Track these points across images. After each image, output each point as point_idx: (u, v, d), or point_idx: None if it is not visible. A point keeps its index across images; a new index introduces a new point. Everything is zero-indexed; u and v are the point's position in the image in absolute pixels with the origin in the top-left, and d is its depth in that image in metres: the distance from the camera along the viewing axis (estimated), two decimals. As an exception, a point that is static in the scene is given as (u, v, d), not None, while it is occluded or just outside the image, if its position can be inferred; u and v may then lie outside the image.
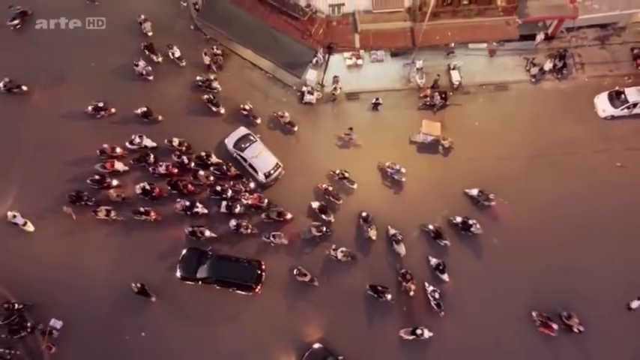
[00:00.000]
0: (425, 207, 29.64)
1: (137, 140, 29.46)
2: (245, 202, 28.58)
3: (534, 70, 32.96)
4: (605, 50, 34.20)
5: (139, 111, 30.48)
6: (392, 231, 28.41)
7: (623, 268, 28.46)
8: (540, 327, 26.87)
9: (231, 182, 29.17)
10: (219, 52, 32.41)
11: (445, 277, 27.87)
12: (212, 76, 31.54)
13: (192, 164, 29.34)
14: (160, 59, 32.54)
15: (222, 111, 31.38)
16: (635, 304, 27.52)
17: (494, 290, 27.91)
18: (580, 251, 28.75)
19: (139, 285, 27.06)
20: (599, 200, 29.96)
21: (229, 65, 33.05)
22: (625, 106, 31.50)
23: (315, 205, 28.76)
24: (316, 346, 26.48)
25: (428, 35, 30.25)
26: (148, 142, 29.62)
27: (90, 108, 30.72)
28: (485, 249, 28.83)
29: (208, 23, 32.18)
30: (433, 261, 28.07)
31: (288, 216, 28.60)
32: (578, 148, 31.57)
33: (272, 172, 29.30)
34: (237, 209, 28.24)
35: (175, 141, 29.45)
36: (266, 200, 28.77)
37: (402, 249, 28.03)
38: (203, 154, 29.21)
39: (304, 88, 31.64)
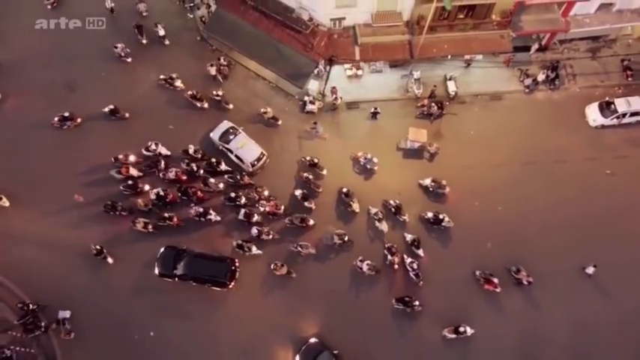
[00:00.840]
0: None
1: (153, 147, 30.61)
2: (262, 209, 29.72)
3: (528, 81, 34.14)
4: (596, 62, 35.45)
5: (106, 109, 31.65)
6: (373, 210, 30.01)
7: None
8: (484, 284, 28.51)
9: (245, 190, 30.29)
10: (224, 62, 33.64)
11: (420, 252, 29.40)
12: (174, 75, 32.84)
13: (202, 171, 30.36)
14: (145, 41, 34.20)
15: (206, 105, 32.81)
16: (590, 270, 29.12)
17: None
18: (564, 248, 29.93)
19: (97, 247, 28.68)
20: (588, 205, 31.01)
21: (234, 75, 34.25)
22: (614, 115, 32.63)
23: (298, 192, 30.22)
24: (312, 340, 27.65)
25: (425, 48, 31.40)
26: (163, 150, 30.78)
27: (56, 119, 31.58)
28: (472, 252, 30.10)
29: (215, 35, 33.36)
30: (409, 237, 29.57)
31: (311, 222, 29.74)
32: (570, 156, 32.69)
33: (257, 161, 30.92)
34: (255, 217, 29.36)
35: (191, 148, 30.58)
36: (282, 207, 29.88)
37: (384, 226, 29.66)
38: (213, 160, 30.40)
39: (306, 98, 32.83)
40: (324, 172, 31.26)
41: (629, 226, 30.70)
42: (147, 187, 30.16)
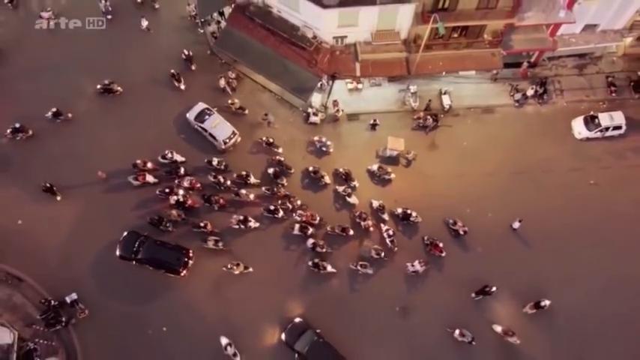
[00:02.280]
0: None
1: (169, 155, 32.57)
2: (299, 219, 31.76)
3: (518, 96, 36.17)
4: (582, 78, 37.46)
5: (49, 113, 33.47)
6: (340, 188, 32.70)
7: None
8: (431, 249, 31.41)
9: (279, 201, 32.33)
10: (233, 76, 35.76)
11: (385, 216, 31.95)
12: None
13: (229, 182, 32.37)
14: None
15: (183, 87, 35.45)
16: (516, 225, 32.08)
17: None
18: (546, 251, 32.09)
19: (47, 184, 31.11)
20: (573, 212, 32.98)
21: (242, 88, 36.27)
22: (599, 129, 34.60)
23: (271, 170, 32.78)
24: (297, 320, 29.94)
25: (421, 65, 33.38)
26: (178, 157, 32.82)
27: (9, 131, 33.04)
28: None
29: (224, 51, 35.37)
30: (375, 203, 32.15)
31: (351, 232, 31.69)
32: (556, 166, 34.61)
33: (228, 139, 33.56)
34: (310, 230, 31.29)
35: (215, 161, 32.60)
36: (318, 217, 31.90)
37: (354, 199, 32.62)
38: (244, 173, 32.46)
39: (309, 110, 34.85)
40: (280, 150, 33.81)
41: (610, 232, 32.55)
42: (181, 192, 31.83)
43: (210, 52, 37.04)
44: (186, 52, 35.90)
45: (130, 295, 30.62)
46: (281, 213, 31.77)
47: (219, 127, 33.58)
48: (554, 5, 31.53)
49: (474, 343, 29.13)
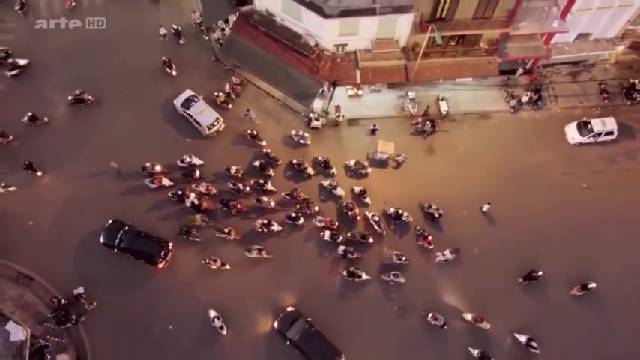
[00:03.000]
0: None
1: (187, 160, 33.67)
2: (318, 224, 32.87)
3: (513, 102, 37.20)
4: (576, 84, 38.50)
5: (25, 118, 34.37)
6: (325, 183, 34.10)
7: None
8: (419, 240, 32.93)
9: (298, 206, 33.53)
10: (237, 81, 36.84)
11: (367, 200, 33.56)
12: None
13: (248, 189, 33.51)
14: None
15: (175, 73, 36.82)
16: (485, 208, 33.76)
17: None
18: (544, 253, 33.17)
19: (27, 162, 32.71)
20: (566, 215, 34.06)
21: (245, 93, 37.34)
22: (591, 134, 35.67)
23: (257, 163, 34.16)
24: (289, 308, 31.20)
25: (420, 72, 34.38)
26: (197, 161, 33.94)
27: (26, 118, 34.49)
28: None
29: (229, 58, 36.42)
30: (356, 189, 33.67)
31: (371, 240, 32.73)
32: (550, 170, 35.70)
33: (212, 126, 35.01)
34: (340, 238, 32.39)
35: (233, 169, 33.71)
36: (337, 223, 33.03)
37: (340, 191, 34.03)
38: (261, 181, 33.64)
39: (311, 115, 35.88)
40: (264, 142, 35.17)
41: (603, 234, 33.71)
42: (192, 195, 32.85)
43: (214, 59, 38.08)
44: (175, 27, 37.46)
45: (136, 294, 31.71)
46: (302, 220, 32.83)
47: (204, 114, 35.10)
48: (548, 15, 32.63)
49: (445, 327, 30.45)
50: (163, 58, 36.86)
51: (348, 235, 32.80)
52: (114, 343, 30.73)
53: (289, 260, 32.61)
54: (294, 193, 33.40)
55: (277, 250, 32.55)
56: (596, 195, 35.04)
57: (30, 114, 34.58)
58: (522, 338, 30.53)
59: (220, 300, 31.39)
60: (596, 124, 35.81)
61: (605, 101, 37.79)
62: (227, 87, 36.47)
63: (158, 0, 39.35)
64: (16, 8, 37.89)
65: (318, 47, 34.15)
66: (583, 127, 36.10)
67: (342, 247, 32.08)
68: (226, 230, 32.16)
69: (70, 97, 35.38)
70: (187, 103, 35.30)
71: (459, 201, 34.51)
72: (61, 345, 30.45)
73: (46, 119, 35.11)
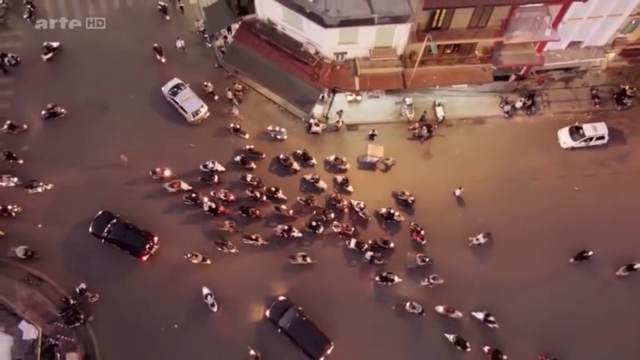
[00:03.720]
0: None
1: (210, 165, 34.80)
2: (336, 230, 34.03)
3: (507, 107, 38.28)
4: (568, 90, 39.57)
5: (4, 127, 35.48)
6: (308, 177, 35.38)
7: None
8: (413, 235, 34.22)
9: (315, 213, 34.76)
10: (239, 88, 37.90)
11: (350, 188, 35.17)
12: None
13: (264, 197, 34.63)
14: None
15: (164, 60, 38.40)
16: (457, 192, 35.36)
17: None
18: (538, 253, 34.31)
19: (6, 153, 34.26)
20: (558, 217, 35.15)
21: (247, 99, 38.41)
22: (583, 139, 36.72)
23: (238, 158, 35.54)
24: (281, 298, 32.52)
25: (416, 79, 35.39)
26: (219, 167, 35.09)
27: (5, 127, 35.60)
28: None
29: (231, 65, 37.46)
30: (339, 178, 35.42)
31: (392, 245, 33.86)
32: (543, 173, 36.76)
33: (197, 113, 36.70)
34: (366, 246, 33.50)
35: (248, 177, 34.87)
36: (352, 229, 34.21)
37: (322, 184, 35.55)
38: (273, 189, 34.76)
39: (312, 120, 36.98)
40: (247, 136, 36.62)
41: (593, 235, 34.64)
42: (205, 200, 34.16)
43: (217, 65, 39.16)
44: (162, 4, 38.91)
45: (142, 294, 32.75)
46: (322, 229, 33.95)
47: (189, 101, 36.74)
48: (540, 25, 33.64)
49: (424, 314, 31.93)
50: (155, 45, 38.38)
51: (370, 242, 33.83)
52: (120, 341, 31.77)
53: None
54: (309, 200, 34.54)
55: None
56: (587, 197, 36.07)
57: (8, 122, 35.69)
58: (480, 315, 32.11)
59: (217, 287, 32.80)
60: (588, 129, 36.86)
61: (597, 106, 38.86)
62: (229, 93, 37.54)
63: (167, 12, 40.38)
64: (25, 17, 38.95)
65: (318, 55, 35.17)
66: (575, 132, 37.17)
67: (369, 254, 33.15)
68: (254, 237, 33.25)
69: (43, 112, 36.23)
70: (174, 90, 36.99)
71: (455, 203, 35.65)
72: (70, 344, 31.46)
73: (25, 126, 36.17)
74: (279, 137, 36.88)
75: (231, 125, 36.59)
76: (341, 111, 37.24)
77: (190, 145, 36.47)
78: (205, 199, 34.05)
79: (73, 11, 40.16)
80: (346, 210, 35.12)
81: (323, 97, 36.70)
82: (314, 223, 33.79)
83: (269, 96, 38.09)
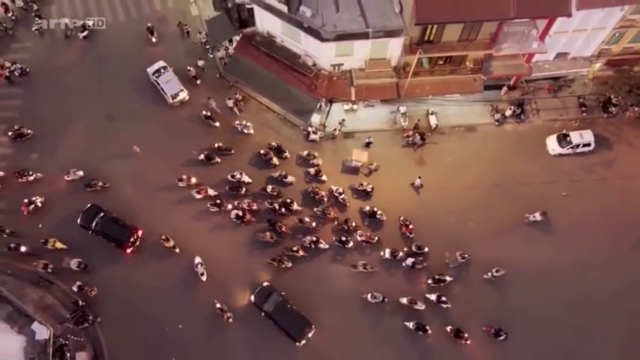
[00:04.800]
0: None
1: (237, 176, 36.37)
2: (360, 238, 35.47)
3: (498, 115, 39.70)
4: (557, 99, 40.99)
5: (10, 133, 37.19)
6: (275, 174, 37.13)
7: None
8: (402, 229, 36.14)
9: (336, 223, 36.24)
10: (240, 98, 39.25)
11: (324, 177, 37.17)
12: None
13: (283, 209, 35.88)
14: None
15: (155, 40, 40.48)
16: (417, 182, 37.12)
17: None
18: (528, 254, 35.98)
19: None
20: (545, 222, 36.59)
21: (248, 108, 39.82)
22: (570, 146, 38.19)
23: (201, 156, 36.95)
24: (265, 284, 34.30)
25: (410, 89, 36.78)
26: (246, 179, 36.59)
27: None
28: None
29: (233, 75, 39.01)
30: (311, 170, 37.28)
31: (426, 249, 35.35)
32: (532, 179, 38.19)
33: (176, 95, 38.66)
34: (400, 254, 34.90)
35: (269, 188, 36.40)
36: (376, 237, 35.72)
37: (291, 178, 37.14)
38: (288, 200, 36.11)
39: (309, 129, 38.41)
40: (217, 123, 38.39)
41: (580, 237, 36.33)
42: (229, 207, 35.82)
43: (219, 76, 40.59)
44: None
45: (147, 296, 34.27)
46: (351, 243, 35.25)
47: (170, 83, 38.79)
48: (528, 37, 35.13)
49: (385, 300, 33.88)
50: (148, 24, 40.36)
51: (405, 249, 35.40)
52: (129, 342, 33.31)
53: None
54: (326, 211, 35.96)
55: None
56: (574, 202, 37.55)
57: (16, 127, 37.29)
58: (433, 297, 34.00)
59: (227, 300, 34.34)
60: (575, 137, 38.33)
61: (584, 114, 40.28)
62: (230, 102, 38.98)
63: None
64: (34, 29, 40.45)
65: (315, 66, 36.56)
66: (562, 139, 38.64)
67: (410, 260, 34.71)
68: (295, 248, 34.83)
69: (10, 134, 37.40)
70: (158, 72, 39.02)
71: (447, 208, 37.10)
72: (80, 344, 32.86)
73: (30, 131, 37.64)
74: (245, 131, 38.38)
75: (203, 113, 38.26)
76: (343, 120, 38.70)
77: (193, 152, 37.91)
78: (229, 206, 35.82)
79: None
80: (326, 198, 36.63)
81: (320, 106, 38.19)
82: (343, 238, 35.12)
83: (269, 105, 39.54)
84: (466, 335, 33.09)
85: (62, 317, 33.29)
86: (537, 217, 36.06)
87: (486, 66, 37.46)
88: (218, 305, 33.27)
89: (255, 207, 36.07)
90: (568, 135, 38.56)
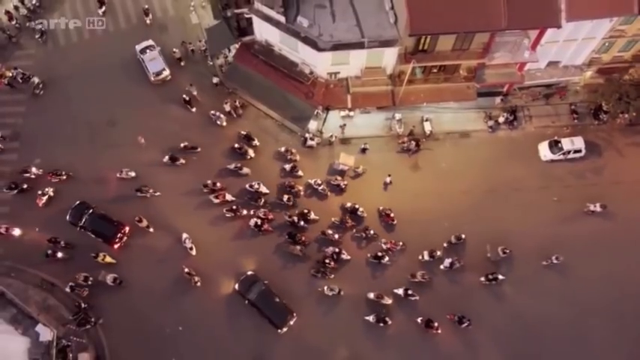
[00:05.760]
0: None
1: (256, 186, 37.13)
2: (384, 246, 36.30)
3: (491, 122, 40.55)
4: (549, 106, 41.88)
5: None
6: (231, 166, 37.75)
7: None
8: (383, 218, 37.27)
9: (354, 230, 37.08)
10: (238, 104, 39.90)
11: (300, 172, 38.11)
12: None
13: (302, 222, 36.48)
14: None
15: (149, 22, 41.52)
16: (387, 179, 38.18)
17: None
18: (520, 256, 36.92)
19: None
20: (537, 226, 37.63)
21: (247, 114, 40.49)
22: (561, 152, 39.06)
23: (165, 158, 37.51)
24: (249, 272, 35.43)
25: (405, 97, 37.68)
26: (263, 189, 37.25)
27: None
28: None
29: (232, 83, 39.86)
30: (287, 167, 38.25)
31: (463, 236, 36.51)
32: (524, 185, 39.08)
33: (158, 74, 39.76)
34: (457, 265, 35.76)
35: (285, 197, 37.09)
36: (401, 242, 36.44)
37: (246, 170, 37.67)
38: (305, 211, 36.80)
39: (307, 135, 39.20)
40: (194, 109, 39.51)
41: (571, 240, 37.29)
42: (244, 212, 36.69)
43: (218, 83, 41.24)
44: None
45: (150, 298, 35.16)
46: (387, 258, 35.90)
47: (154, 62, 40.03)
48: (520, 47, 36.10)
49: (342, 293, 34.93)
50: (145, 6, 41.44)
51: (438, 251, 36.21)
52: (130, 344, 34.27)
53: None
54: (343, 220, 36.86)
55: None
56: (565, 207, 38.46)
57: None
58: (400, 291, 34.99)
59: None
60: (566, 143, 39.19)
61: (575, 121, 41.20)
62: (227, 106, 39.59)
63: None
64: (37, 37, 41.29)
65: (312, 75, 37.45)
66: (554, 146, 39.49)
67: (448, 260, 35.69)
68: (328, 262, 35.50)
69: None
70: (144, 50, 40.29)
71: (441, 213, 37.96)
72: (82, 345, 33.69)
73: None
74: (219, 123, 39.27)
75: (184, 96, 39.20)
76: (344, 125, 39.66)
77: (194, 158, 38.86)
78: (244, 212, 36.68)
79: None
80: (302, 192, 37.56)
81: (317, 113, 39.05)
82: (379, 254, 35.80)
83: (267, 112, 40.30)
84: (436, 324, 34.20)
85: (65, 319, 34.15)
86: (597, 208, 37.31)
87: (480, 74, 38.35)
88: (186, 270, 34.71)
89: (271, 216, 36.88)
90: (559, 141, 39.41)
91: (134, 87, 40.37)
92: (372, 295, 35.03)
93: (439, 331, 34.36)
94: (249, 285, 34.64)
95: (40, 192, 36.44)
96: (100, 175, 37.76)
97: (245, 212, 36.76)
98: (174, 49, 40.65)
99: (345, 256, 35.92)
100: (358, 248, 37.04)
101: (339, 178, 38.03)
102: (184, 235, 35.69)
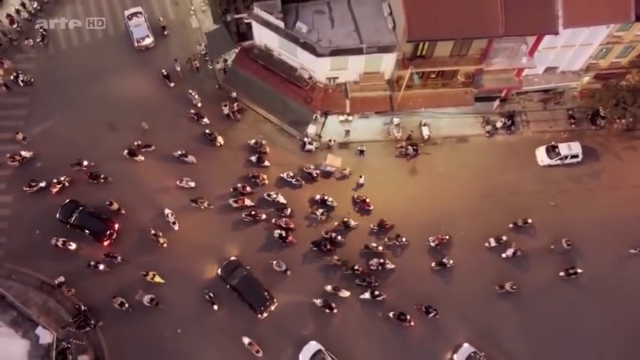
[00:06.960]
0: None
1: (274, 195, 37.30)
2: (433, 244, 36.64)
3: (489, 127, 40.80)
4: (546, 111, 42.13)
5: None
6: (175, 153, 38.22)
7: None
8: (358, 205, 37.80)
9: (386, 238, 37.06)
10: (237, 108, 40.02)
11: (266, 163, 38.44)
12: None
13: (340, 237, 36.63)
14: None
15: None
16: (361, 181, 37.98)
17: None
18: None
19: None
20: (534, 231, 37.92)
21: (246, 118, 40.79)
22: (558, 157, 39.30)
23: (127, 152, 38.00)
24: (232, 258, 35.93)
25: (403, 102, 37.99)
26: (281, 199, 37.42)
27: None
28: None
29: (232, 88, 40.06)
30: (253, 158, 38.25)
31: (530, 220, 36.99)
32: (521, 189, 39.31)
33: (141, 40, 41.06)
34: (520, 253, 36.35)
35: (318, 212, 37.19)
36: (447, 236, 36.79)
37: (190, 158, 38.39)
38: (345, 219, 36.97)
39: (306, 139, 39.45)
40: (172, 84, 39.92)
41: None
42: (263, 216, 37.10)
43: (218, 86, 41.60)
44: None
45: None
46: (452, 262, 36.06)
47: (139, 28, 41.28)
48: (517, 53, 36.38)
49: (288, 272, 35.66)
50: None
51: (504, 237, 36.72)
52: (130, 346, 34.46)
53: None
54: (384, 223, 37.05)
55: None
56: (562, 212, 38.70)
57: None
58: (367, 295, 35.20)
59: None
60: (563, 148, 39.42)
61: (573, 126, 41.45)
62: (226, 109, 39.83)
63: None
64: (37, 40, 41.58)
65: (311, 79, 37.77)
66: (551, 151, 39.70)
67: (510, 250, 36.29)
68: (356, 267, 35.71)
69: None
70: (132, 16, 41.52)
71: (439, 217, 38.15)
72: (81, 347, 33.87)
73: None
74: (194, 102, 39.79)
75: (163, 71, 39.88)
76: (348, 131, 39.98)
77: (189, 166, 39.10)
78: (264, 216, 37.19)
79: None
80: (266, 182, 37.81)
81: (316, 118, 39.30)
82: (444, 260, 36.01)
83: (266, 116, 40.57)
84: (408, 317, 34.49)
85: (65, 321, 34.40)
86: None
87: (477, 79, 38.62)
88: (152, 232, 35.71)
89: (292, 225, 37.01)
90: (557, 147, 39.64)
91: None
92: (328, 288, 35.15)
93: (412, 324, 34.54)
94: (232, 270, 35.11)
95: (55, 180, 37.00)
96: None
97: (264, 217, 37.10)
98: (160, 18, 41.85)
99: (389, 265, 36.07)
100: (394, 256, 37.20)
101: (311, 167, 38.42)
102: (166, 211, 36.41)
